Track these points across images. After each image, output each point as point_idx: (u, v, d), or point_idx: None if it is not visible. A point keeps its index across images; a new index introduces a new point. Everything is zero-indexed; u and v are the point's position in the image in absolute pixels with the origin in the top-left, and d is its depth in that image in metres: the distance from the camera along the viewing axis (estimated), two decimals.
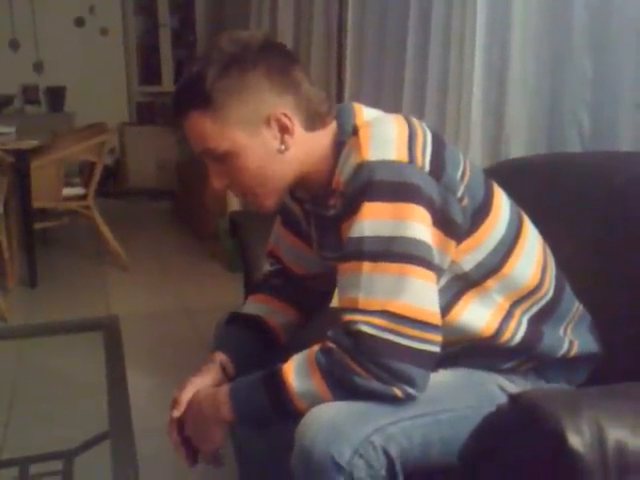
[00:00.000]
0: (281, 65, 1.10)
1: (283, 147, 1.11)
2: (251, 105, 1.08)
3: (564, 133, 1.86)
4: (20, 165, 3.57)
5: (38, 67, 6.10)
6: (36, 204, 3.75)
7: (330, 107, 1.15)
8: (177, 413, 1.19)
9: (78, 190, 4.15)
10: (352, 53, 3.12)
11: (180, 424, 1.19)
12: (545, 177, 1.58)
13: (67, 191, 4.06)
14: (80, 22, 6.20)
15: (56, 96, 6.11)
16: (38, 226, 3.91)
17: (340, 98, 3.13)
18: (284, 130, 1.10)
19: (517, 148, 2.03)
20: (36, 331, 3.13)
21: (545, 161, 1.73)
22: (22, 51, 6.00)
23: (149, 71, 6.59)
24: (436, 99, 2.38)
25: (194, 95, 1.08)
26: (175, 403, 1.20)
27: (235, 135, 1.08)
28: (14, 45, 5.97)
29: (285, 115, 1.09)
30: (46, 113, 6.12)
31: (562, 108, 1.86)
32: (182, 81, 1.11)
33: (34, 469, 2.01)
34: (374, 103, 1.21)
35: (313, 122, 1.13)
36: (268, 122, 1.09)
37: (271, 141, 1.10)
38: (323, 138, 1.14)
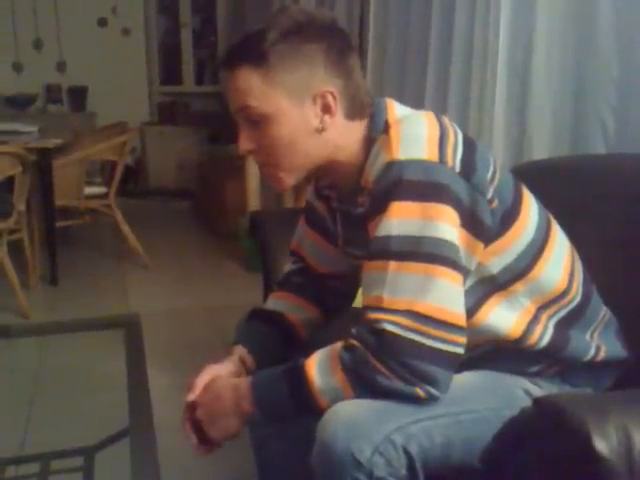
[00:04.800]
0: (341, 47, 1.10)
1: (321, 126, 1.10)
2: (302, 75, 1.08)
3: (588, 134, 1.84)
4: (43, 164, 3.59)
5: (61, 67, 6.15)
6: (58, 202, 3.78)
7: (372, 100, 1.15)
8: (191, 396, 1.18)
9: (99, 189, 4.19)
10: (374, 53, 3.11)
11: (193, 408, 1.19)
12: (570, 179, 1.56)
13: (88, 190, 4.09)
14: (102, 22, 6.23)
15: (78, 96, 6.15)
16: (60, 224, 3.93)
17: None
18: (326, 110, 1.10)
19: (540, 149, 2.01)
20: (57, 329, 3.16)
21: (570, 162, 1.72)
22: (45, 51, 6.05)
23: (170, 71, 6.61)
24: (459, 100, 2.36)
25: (250, 51, 1.08)
26: (189, 387, 1.20)
27: (278, 100, 1.08)
28: (38, 45, 6.02)
29: (332, 95, 1.09)
30: (68, 112, 6.16)
31: (586, 109, 1.84)
32: (241, 36, 1.11)
33: (55, 465, 2.03)
34: None
35: (354, 111, 1.12)
36: (314, 98, 1.09)
37: (311, 117, 1.10)
38: (357, 131, 1.14)
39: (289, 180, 1.16)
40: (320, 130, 1.11)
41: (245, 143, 1.14)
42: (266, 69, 1.07)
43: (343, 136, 1.13)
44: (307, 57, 1.07)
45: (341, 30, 1.14)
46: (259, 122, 1.10)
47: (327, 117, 1.10)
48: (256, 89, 1.08)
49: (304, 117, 1.10)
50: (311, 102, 1.09)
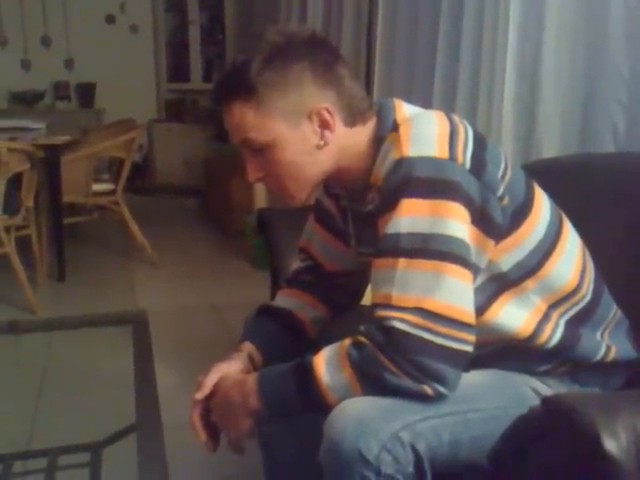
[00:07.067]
0: (325, 60, 1.10)
1: (322, 142, 1.11)
2: (293, 98, 1.08)
3: (598, 134, 1.83)
4: (51, 160, 3.60)
5: (69, 64, 6.17)
6: (66, 199, 3.80)
7: (370, 104, 1.15)
8: (200, 395, 1.19)
9: (107, 186, 4.20)
10: (382, 52, 3.10)
11: (203, 408, 1.20)
12: (579, 177, 1.56)
13: (96, 187, 4.11)
14: (111, 19, 6.26)
15: (86, 92, 6.18)
16: (67, 221, 3.95)
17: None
18: (325, 125, 1.10)
19: (549, 148, 2.00)
20: (64, 325, 3.16)
21: (579, 161, 1.71)
22: (54, 48, 6.07)
23: (178, 68, 6.62)
24: (467, 98, 2.36)
25: (238, 85, 1.08)
26: (199, 386, 1.20)
27: (276, 127, 1.08)
28: (46, 42, 6.05)
29: (327, 110, 1.09)
30: (76, 109, 6.19)
31: (596, 108, 1.83)
32: (227, 70, 1.12)
33: (62, 460, 2.03)
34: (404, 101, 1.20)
35: (353, 118, 1.12)
36: (310, 116, 1.09)
37: (311, 136, 1.10)
38: (362, 134, 1.14)
39: (300, 197, 1.17)
40: (322, 146, 1.11)
41: (253, 173, 1.15)
42: (257, 100, 1.07)
43: (347, 143, 1.13)
44: (294, 78, 1.07)
45: (323, 42, 1.14)
46: (262, 150, 1.11)
47: (327, 132, 1.10)
48: (252, 121, 1.08)
49: (304, 137, 1.10)
50: (308, 121, 1.09)
